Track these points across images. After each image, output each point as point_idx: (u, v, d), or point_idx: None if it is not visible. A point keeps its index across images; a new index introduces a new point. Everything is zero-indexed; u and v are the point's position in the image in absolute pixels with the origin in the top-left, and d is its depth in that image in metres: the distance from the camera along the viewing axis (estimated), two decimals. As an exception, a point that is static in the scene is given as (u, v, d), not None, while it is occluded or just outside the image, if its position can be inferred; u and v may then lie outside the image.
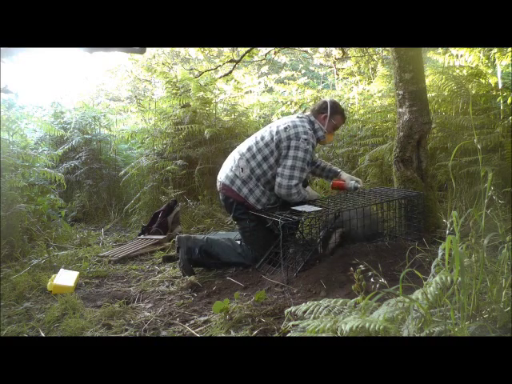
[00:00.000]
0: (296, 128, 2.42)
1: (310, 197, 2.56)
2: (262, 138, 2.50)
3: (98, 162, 5.17)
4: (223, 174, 2.58)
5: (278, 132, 2.45)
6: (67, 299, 2.13)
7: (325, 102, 2.59)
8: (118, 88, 10.98)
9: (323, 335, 1.17)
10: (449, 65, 3.81)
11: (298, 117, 2.56)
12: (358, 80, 5.30)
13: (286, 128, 2.44)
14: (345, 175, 2.73)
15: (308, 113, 2.62)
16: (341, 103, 4.79)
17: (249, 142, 2.57)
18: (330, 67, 7.12)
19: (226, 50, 6.96)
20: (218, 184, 2.63)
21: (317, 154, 2.95)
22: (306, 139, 2.39)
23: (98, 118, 5.35)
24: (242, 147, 2.58)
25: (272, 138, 2.45)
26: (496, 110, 3.28)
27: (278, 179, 2.40)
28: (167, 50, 8.46)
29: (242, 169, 2.48)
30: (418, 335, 1.09)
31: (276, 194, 2.46)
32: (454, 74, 3.49)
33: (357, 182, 2.68)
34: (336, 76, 6.38)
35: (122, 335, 1.80)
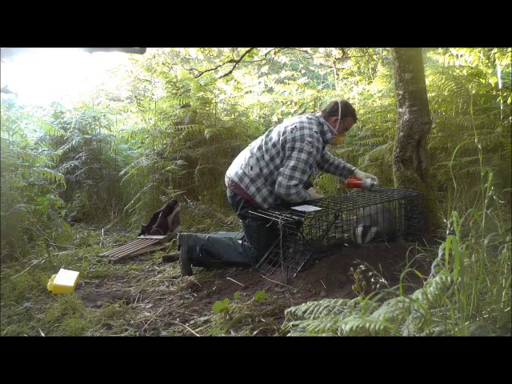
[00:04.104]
0: (302, 130, 2.42)
1: (312, 198, 2.56)
2: (271, 139, 2.52)
3: (98, 162, 5.17)
4: (233, 171, 2.59)
5: (284, 132, 2.46)
6: (67, 299, 2.13)
7: (336, 104, 2.56)
8: (118, 88, 10.98)
9: (323, 335, 1.17)
10: (449, 65, 3.81)
11: (307, 117, 2.55)
12: (358, 80, 5.31)
13: (292, 129, 2.44)
14: (360, 173, 2.73)
15: (319, 114, 2.61)
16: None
17: (260, 140, 2.60)
18: (330, 67, 7.12)
19: (226, 50, 6.96)
20: (226, 180, 2.64)
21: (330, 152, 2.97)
22: (310, 142, 2.39)
23: (98, 117, 5.35)
24: (254, 145, 2.60)
25: (279, 139, 2.47)
26: (496, 110, 3.28)
27: (279, 178, 2.41)
28: (167, 49, 8.46)
29: (251, 167, 2.50)
30: (418, 335, 1.09)
31: (276, 192, 2.46)
32: (454, 73, 3.49)
33: (373, 179, 2.69)
34: (336, 76, 6.38)
35: (122, 335, 1.80)
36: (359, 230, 2.50)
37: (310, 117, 2.56)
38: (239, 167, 2.57)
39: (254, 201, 2.50)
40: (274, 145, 2.48)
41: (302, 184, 2.43)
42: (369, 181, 2.67)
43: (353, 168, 2.77)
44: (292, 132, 2.43)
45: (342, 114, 2.53)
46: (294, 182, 2.38)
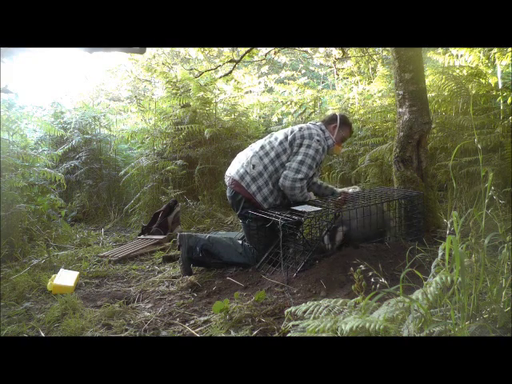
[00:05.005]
0: (310, 130, 2.56)
1: (312, 199, 2.60)
2: (276, 138, 2.60)
3: (98, 162, 5.17)
4: (233, 170, 2.61)
5: (292, 131, 2.57)
6: (67, 299, 2.13)
7: (334, 114, 2.74)
8: (118, 88, 10.97)
9: (323, 335, 1.17)
10: (449, 65, 3.81)
11: (310, 123, 2.70)
12: (357, 80, 5.31)
13: (300, 128, 2.58)
14: (339, 190, 2.86)
15: (319, 123, 2.74)
16: (341, 103, 4.81)
17: (263, 141, 2.67)
18: (330, 67, 7.12)
19: (226, 50, 6.95)
20: (226, 179, 2.66)
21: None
22: (318, 140, 2.52)
23: (98, 118, 5.35)
24: (255, 146, 2.66)
25: (286, 137, 2.56)
26: (496, 110, 3.28)
27: (285, 172, 2.47)
28: (167, 49, 8.46)
29: (254, 165, 2.53)
30: (418, 335, 1.09)
31: (280, 186, 2.48)
32: (454, 74, 3.49)
33: (354, 188, 2.83)
34: (336, 76, 6.38)
35: (122, 335, 1.80)
36: (326, 237, 2.44)
37: (312, 123, 2.72)
38: (240, 166, 2.58)
39: (255, 200, 2.50)
40: (280, 143, 2.55)
41: (306, 180, 2.48)
42: (351, 190, 2.79)
43: (335, 188, 2.88)
44: (300, 130, 2.56)
45: (341, 122, 2.68)
46: (300, 176, 2.43)
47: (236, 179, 2.55)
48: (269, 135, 2.70)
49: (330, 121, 2.70)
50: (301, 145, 2.50)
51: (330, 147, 2.65)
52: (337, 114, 2.74)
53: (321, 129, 2.64)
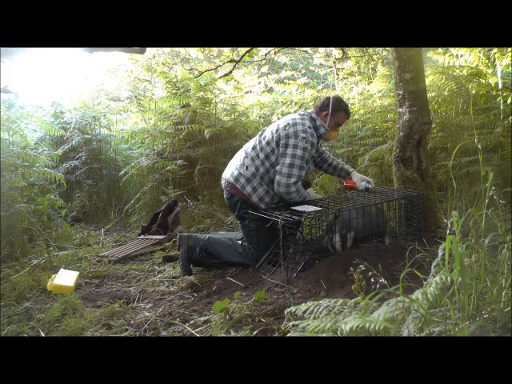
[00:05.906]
0: (295, 126, 2.43)
1: (312, 198, 2.56)
2: (265, 137, 2.53)
3: (98, 162, 5.17)
4: (228, 172, 2.60)
5: (277, 130, 2.48)
6: (67, 299, 2.13)
7: (327, 99, 2.59)
8: (118, 88, 10.97)
9: (323, 335, 1.17)
10: (449, 65, 3.81)
11: (299, 114, 2.58)
12: (358, 80, 5.31)
13: (285, 126, 2.45)
14: (356, 176, 2.71)
15: (311, 110, 2.63)
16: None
17: (254, 140, 2.61)
18: (330, 67, 7.12)
19: (226, 50, 6.95)
20: (222, 182, 2.65)
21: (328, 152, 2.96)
22: (304, 137, 2.40)
23: (98, 118, 5.35)
24: (248, 146, 2.61)
25: (273, 137, 2.48)
26: (496, 110, 3.28)
27: (277, 177, 2.42)
28: (167, 49, 8.45)
29: (247, 167, 2.50)
30: (418, 335, 1.09)
31: (275, 191, 2.47)
32: (454, 74, 3.49)
33: (368, 182, 2.66)
34: (336, 76, 6.38)
35: (122, 335, 1.80)
36: (337, 237, 2.39)
37: (301, 113, 2.59)
38: (235, 168, 2.57)
39: (251, 201, 2.49)
40: (268, 143, 2.48)
41: (300, 181, 2.44)
42: (364, 184, 2.65)
43: (350, 170, 2.75)
44: (285, 129, 2.44)
45: (333, 108, 2.54)
46: (293, 180, 2.39)
47: (231, 181, 2.54)
48: (260, 131, 2.64)
49: (321, 107, 2.57)
50: (286, 145, 2.40)
51: (323, 135, 2.55)
52: (330, 98, 2.58)
53: (311, 117, 2.54)
